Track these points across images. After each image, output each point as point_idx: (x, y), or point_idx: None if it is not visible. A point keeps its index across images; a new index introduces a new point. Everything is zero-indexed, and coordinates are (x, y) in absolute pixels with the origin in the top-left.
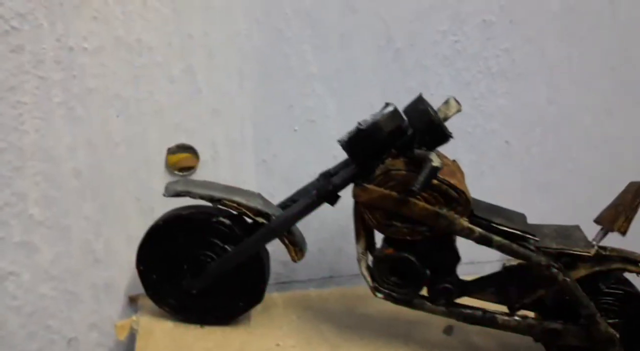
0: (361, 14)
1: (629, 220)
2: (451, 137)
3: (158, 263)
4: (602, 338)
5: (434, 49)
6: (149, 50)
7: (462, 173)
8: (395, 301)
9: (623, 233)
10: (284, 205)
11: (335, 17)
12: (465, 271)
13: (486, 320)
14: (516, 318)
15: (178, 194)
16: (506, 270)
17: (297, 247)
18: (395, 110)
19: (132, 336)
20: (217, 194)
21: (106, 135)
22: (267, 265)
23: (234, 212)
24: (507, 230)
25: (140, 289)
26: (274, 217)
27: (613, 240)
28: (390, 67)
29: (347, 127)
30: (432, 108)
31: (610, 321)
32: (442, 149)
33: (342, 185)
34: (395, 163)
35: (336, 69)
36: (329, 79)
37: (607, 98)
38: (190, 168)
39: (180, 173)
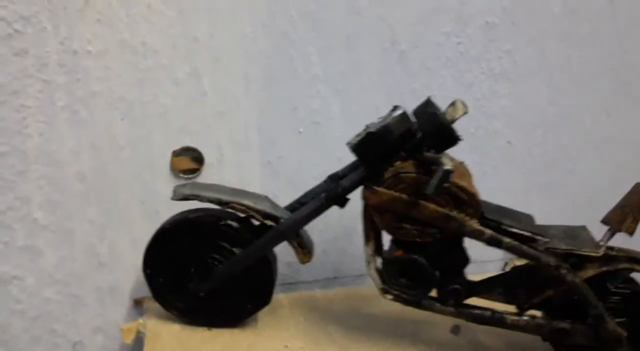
0: (365, 16)
1: (636, 220)
2: (460, 139)
3: (165, 266)
4: (610, 338)
5: (437, 50)
6: (154, 53)
7: (470, 174)
8: (405, 302)
9: (631, 233)
10: (291, 208)
11: (340, 20)
12: (468, 271)
13: (495, 320)
14: (525, 318)
15: (186, 197)
16: (514, 270)
17: (305, 249)
18: (405, 113)
19: (138, 340)
20: (225, 197)
21: (110, 138)
22: (274, 268)
23: (242, 215)
24: (516, 232)
25: (145, 292)
26: (282, 220)
27: (619, 241)
28: (394, 69)
29: (351, 129)
30: (440, 111)
31: (617, 320)
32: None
33: (351, 188)
34: (405, 166)
35: (341, 71)
36: (334, 81)
37: (607, 99)
38: (194, 171)
39: (185, 176)
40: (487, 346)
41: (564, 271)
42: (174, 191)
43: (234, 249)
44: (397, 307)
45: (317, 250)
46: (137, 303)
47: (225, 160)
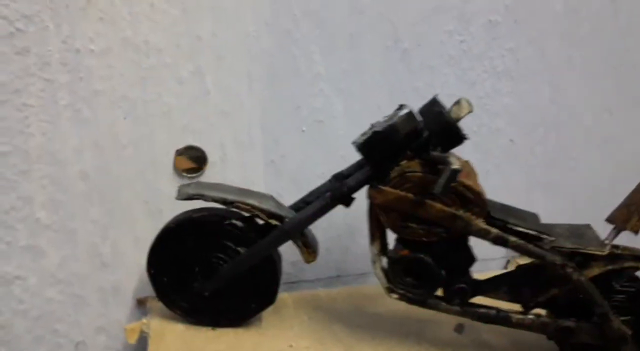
0: (368, 14)
1: None
2: (466, 138)
3: (169, 266)
4: (615, 336)
5: (440, 49)
6: (157, 51)
7: (475, 173)
8: (410, 301)
9: (636, 232)
10: (296, 207)
11: (343, 18)
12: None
13: (500, 319)
14: (530, 316)
15: (191, 197)
16: (519, 269)
17: (310, 248)
18: (411, 112)
19: (141, 340)
20: (230, 196)
21: (113, 138)
22: (279, 267)
23: (246, 214)
24: (522, 231)
25: (148, 291)
26: (287, 219)
27: (624, 239)
28: (397, 68)
29: (354, 128)
30: (446, 110)
31: (622, 318)
32: None
33: (357, 187)
34: (411, 165)
35: (343, 70)
36: (337, 80)
37: (608, 98)
38: (197, 170)
39: (188, 175)
40: (491, 345)
41: (569, 270)
42: (179, 190)
43: (239, 248)
44: (401, 306)
45: (321, 248)
46: (140, 303)
47: (229, 159)
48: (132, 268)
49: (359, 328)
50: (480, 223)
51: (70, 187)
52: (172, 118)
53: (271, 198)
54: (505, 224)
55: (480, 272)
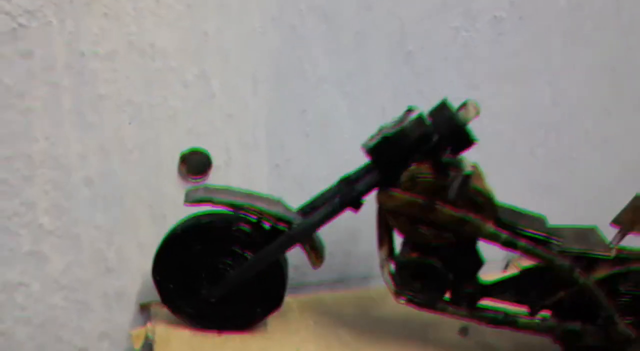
0: (376, 11)
1: None
2: (476, 141)
3: (175, 272)
4: (620, 338)
5: (445, 51)
6: (163, 54)
7: (482, 176)
8: (418, 305)
9: None
10: (303, 211)
11: (350, 15)
12: None
13: (508, 322)
14: (537, 319)
15: (199, 201)
16: (525, 272)
17: (317, 252)
18: (422, 116)
19: (145, 345)
20: (239, 201)
21: (118, 142)
22: (286, 271)
23: (253, 219)
24: (531, 234)
25: (152, 297)
26: (295, 224)
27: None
28: (401, 68)
29: (359, 130)
30: (457, 113)
31: (627, 321)
32: None
33: (366, 191)
34: (421, 169)
35: (348, 71)
36: (342, 82)
37: (608, 99)
38: (203, 174)
39: (194, 180)
40: (495, 348)
41: (577, 273)
42: (187, 195)
43: (246, 253)
44: (405, 309)
45: None
46: (144, 308)
47: (233, 162)
48: (136, 274)
49: (364, 331)
50: (490, 227)
51: (74, 192)
52: (177, 122)
53: (279, 202)
54: (514, 228)
55: (480, 274)
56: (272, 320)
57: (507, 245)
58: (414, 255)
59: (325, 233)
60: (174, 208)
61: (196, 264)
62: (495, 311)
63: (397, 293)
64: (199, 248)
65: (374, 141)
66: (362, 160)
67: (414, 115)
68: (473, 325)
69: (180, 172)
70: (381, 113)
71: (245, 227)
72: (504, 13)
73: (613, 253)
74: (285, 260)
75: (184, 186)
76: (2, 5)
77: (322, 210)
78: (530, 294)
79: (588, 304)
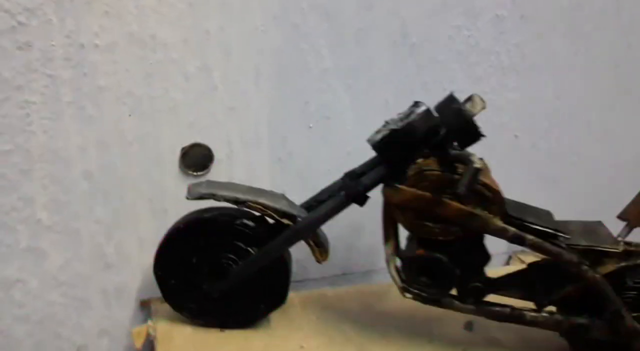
0: (377, 9)
1: None
2: (483, 135)
3: (177, 267)
4: (627, 332)
5: (447, 44)
6: (164, 46)
7: (489, 170)
8: (425, 301)
9: None
10: (307, 206)
11: (351, 13)
12: None
13: (515, 317)
14: (544, 314)
15: (202, 197)
16: (532, 267)
17: (322, 248)
18: (429, 110)
19: (147, 343)
20: (242, 196)
21: (118, 135)
22: (290, 267)
23: (257, 214)
24: (539, 229)
25: (152, 293)
26: (299, 219)
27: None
28: (405, 63)
29: (362, 124)
30: (464, 106)
31: (634, 314)
32: None
33: (372, 186)
34: (429, 163)
35: (351, 65)
36: (345, 75)
37: (611, 93)
38: (204, 168)
39: (195, 173)
40: (501, 342)
41: (585, 268)
42: (189, 190)
43: (249, 249)
44: (409, 303)
45: None
46: (144, 305)
47: (235, 156)
48: (136, 269)
49: (368, 327)
50: (498, 222)
51: (73, 187)
52: (178, 115)
53: (283, 197)
54: (522, 222)
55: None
56: (275, 316)
57: (516, 240)
58: (421, 250)
59: (327, 227)
60: (174, 203)
61: (199, 259)
62: (502, 306)
63: (404, 289)
64: (202, 243)
65: (381, 135)
66: (364, 153)
67: (421, 109)
68: (478, 319)
69: (181, 166)
70: (384, 107)
71: (249, 222)
72: (506, 12)
73: (621, 248)
74: (289, 255)
75: (185, 180)
76: (0, 3)
77: (327, 204)
78: (537, 289)
79: (595, 298)
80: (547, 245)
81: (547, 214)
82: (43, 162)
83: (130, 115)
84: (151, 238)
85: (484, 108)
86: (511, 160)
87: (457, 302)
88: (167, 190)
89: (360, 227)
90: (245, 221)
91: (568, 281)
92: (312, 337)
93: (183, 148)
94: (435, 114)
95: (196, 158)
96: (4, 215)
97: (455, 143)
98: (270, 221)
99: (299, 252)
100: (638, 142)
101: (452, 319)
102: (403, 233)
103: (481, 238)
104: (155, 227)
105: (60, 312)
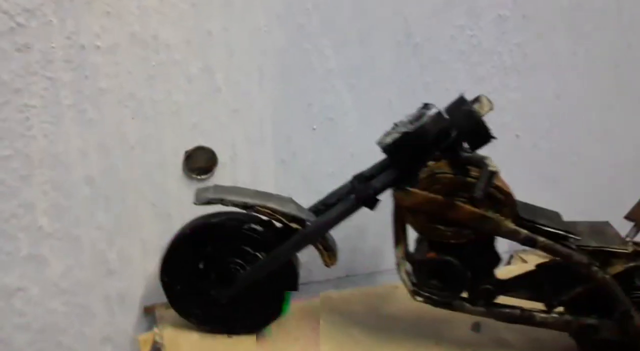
0: (380, 9)
1: None
2: (494, 137)
3: (184, 273)
4: (637, 332)
5: (450, 44)
6: (166, 47)
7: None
8: (436, 304)
9: None
10: (315, 209)
11: (354, 13)
12: None
13: (525, 318)
14: (554, 315)
15: (210, 202)
16: (541, 268)
17: (330, 251)
18: (440, 112)
19: (153, 350)
20: (251, 200)
21: (120, 138)
22: (298, 271)
23: (264, 218)
24: (551, 231)
25: (156, 299)
26: (308, 223)
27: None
28: (408, 63)
29: (365, 125)
30: (475, 108)
31: None
32: None
33: (383, 189)
34: (440, 166)
35: (355, 65)
36: (348, 75)
37: (611, 93)
38: (208, 171)
39: (199, 177)
40: (509, 343)
41: (595, 269)
42: (197, 195)
43: (257, 253)
44: (414, 305)
45: None
46: (148, 311)
47: (239, 158)
48: (139, 275)
49: (375, 329)
50: (510, 224)
51: (75, 192)
52: (181, 117)
53: (291, 200)
54: (534, 224)
55: None
56: (282, 319)
57: (528, 242)
58: (432, 253)
59: (332, 229)
60: (178, 207)
61: (206, 265)
62: (512, 307)
63: (415, 292)
64: (209, 248)
65: (392, 138)
66: (368, 155)
67: (432, 111)
68: (485, 320)
69: (184, 169)
70: (387, 107)
71: (257, 227)
72: (508, 11)
73: (630, 248)
74: (297, 259)
75: (189, 183)
76: None
77: (337, 208)
78: (546, 290)
79: (603, 299)
80: (559, 246)
81: (557, 215)
82: (43, 167)
83: (132, 118)
84: (154, 243)
85: (491, 109)
86: (512, 160)
87: (467, 305)
88: (170, 194)
89: (364, 229)
90: (253, 225)
91: (577, 282)
92: (321, 342)
93: (187, 152)
94: (446, 116)
95: (200, 162)
96: (4, 222)
97: (466, 145)
98: (278, 225)
99: (302, 254)
100: (638, 142)
101: (460, 320)
102: (411, 236)
103: (492, 241)
104: (158, 231)
105: (62, 320)
